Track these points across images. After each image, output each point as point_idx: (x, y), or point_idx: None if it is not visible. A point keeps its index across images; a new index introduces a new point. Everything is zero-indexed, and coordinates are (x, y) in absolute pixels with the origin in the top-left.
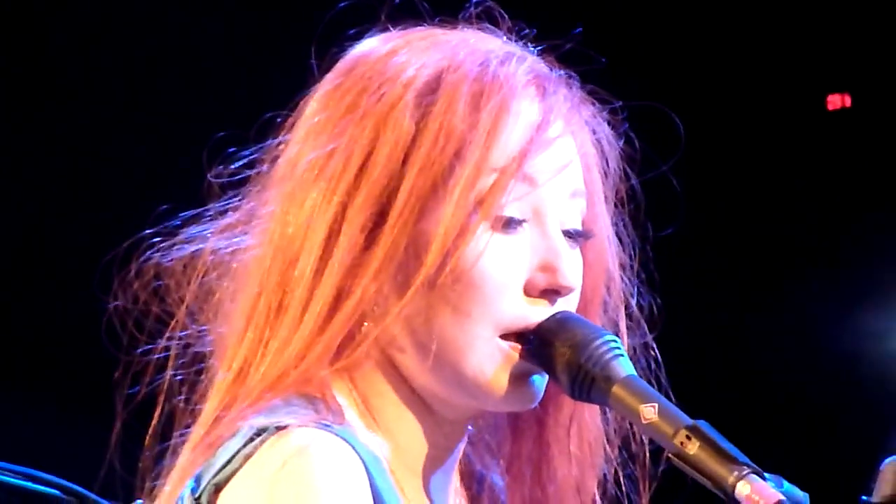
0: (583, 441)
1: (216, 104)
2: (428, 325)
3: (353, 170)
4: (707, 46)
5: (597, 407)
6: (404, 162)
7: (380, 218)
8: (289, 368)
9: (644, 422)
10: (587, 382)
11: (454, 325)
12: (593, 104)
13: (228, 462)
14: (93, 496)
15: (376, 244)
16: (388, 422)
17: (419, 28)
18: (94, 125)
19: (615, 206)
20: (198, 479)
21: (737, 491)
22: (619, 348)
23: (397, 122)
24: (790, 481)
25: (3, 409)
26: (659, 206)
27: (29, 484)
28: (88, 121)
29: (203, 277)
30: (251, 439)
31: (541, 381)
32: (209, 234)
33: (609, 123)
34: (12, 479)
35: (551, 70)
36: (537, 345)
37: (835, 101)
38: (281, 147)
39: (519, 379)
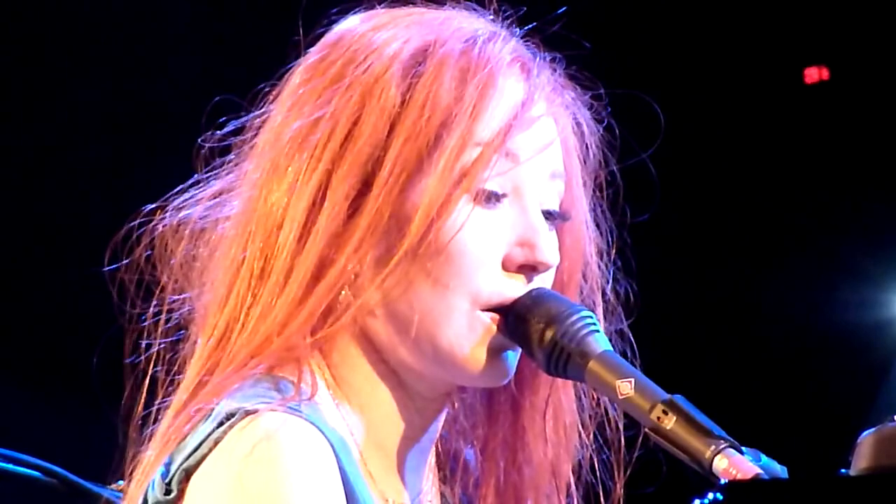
0: (558, 425)
1: (209, 78)
2: (406, 296)
3: (339, 138)
4: (684, 21)
5: (572, 391)
6: (389, 132)
7: (364, 187)
8: (272, 335)
9: (620, 397)
10: (563, 358)
11: (433, 297)
12: (575, 88)
13: (198, 447)
14: (73, 477)
15: (360, 213)
16: (360, 397)
17: (404, 6)
18: (84, 100)
19: (593, 191)
20: (168, 465)
21: (714, 465)
22: (594, 324)
23: (383, 92)
24: (773, 455)
25: None
26: (637, 188)
27: (9, 466)
28: (79, 95)
29: (190, 244)
30: (220, 424)
31: (514, 357)
32: (196, 203)
33: (590, 107)
34: (5, 465)
35: (536, 52)
36: (513, 321)
37: (812, 75)
38: (265, 117)
39: (493, 353)
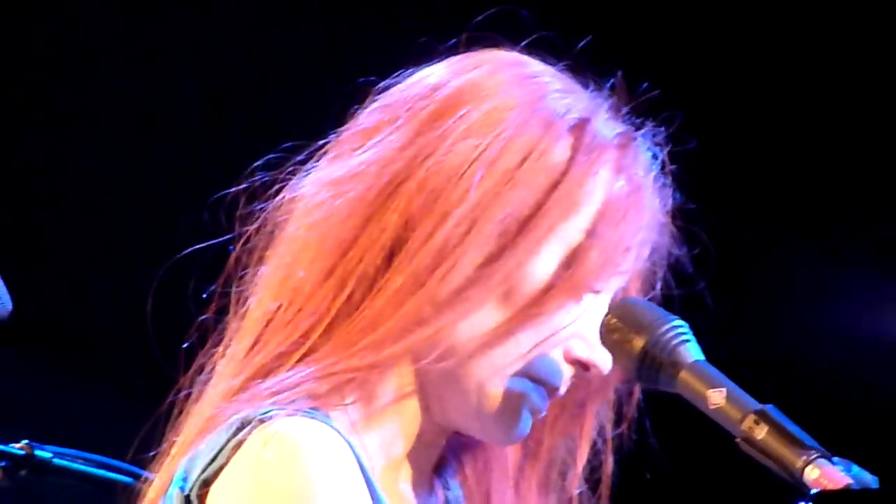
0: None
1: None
2: (478, 342)
3: (496, 176)
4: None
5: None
6: (542, 199)
7: (507, 236)
8: (383, 337)
9: (711, 407)
10: (654, 368)
11: (502, 352)
12: (666, 213)
13: (216, 457)
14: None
15: (502, 260)
16: (382, 416)
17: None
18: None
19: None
20: (185, 476)
21: (805, 475)
22: (686, 333)
23: (546, 151)
24: (860, 466)
25: (66, 396)
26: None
27: (102, 472)
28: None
29: (275, 215)
30: (236, 432)
31: (529, 423)
32: (302, 178)
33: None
34: (85, 467)
35: (656, 159)
36: (604, 330)
37: None
38: (388, 113)
39: (521, 416)
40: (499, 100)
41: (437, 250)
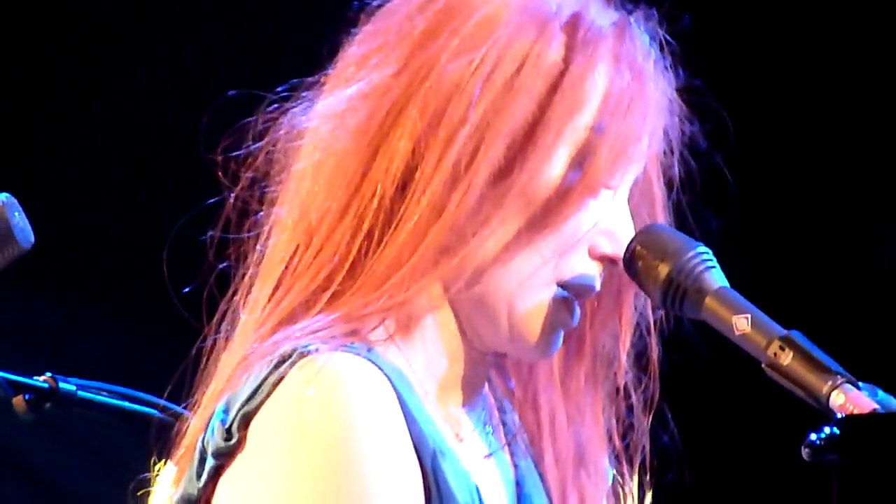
0: (595, 396)
1: None
2: (501, 262)
3: (495, 90)
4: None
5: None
6: (543, 103)
7: (513, 149)
8: (412, 271)
9: (737, 333)
10: (679, 295)
11: (526, 266)
12: (674, 97)
13: (256, 391)
14: (189, 414)
15: (513, 173)
16: (426, 341)
17: None
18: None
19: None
20: (226, 410)
21: (831, 400)
22: (711, 260)
23: (541, 56)
24: (891, 391)
25: (89, 330)
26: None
27: (126, 404)
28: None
29: (288, 153)
30: (277, 366)
31: (561, 335)
32: (304, 112)
33: (682, 109)
34: (109, 399)
35: (660, 54)
36: (629, 258)
37: None
38: (390, 38)
39: (550, 331)
40: (487, 8)
41: (450, 174)
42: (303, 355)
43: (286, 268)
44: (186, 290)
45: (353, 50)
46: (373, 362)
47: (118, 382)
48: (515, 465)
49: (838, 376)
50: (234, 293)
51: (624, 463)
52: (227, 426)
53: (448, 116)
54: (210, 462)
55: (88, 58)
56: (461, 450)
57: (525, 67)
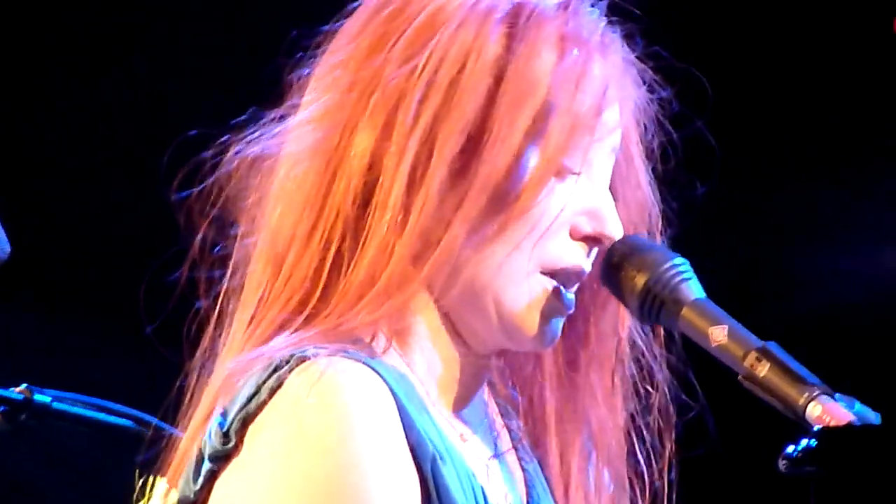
0: (609, 384)
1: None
2: (480, 256)
3: (440, 93)
4: None
5: (625, 353)
6: (490, 95)
7: (468, 145)
8: (379, 296)
9: (714, 344)
10: (656, 306)
11: (504, 258)
12: (636, 66)
13: (254, 395)
14: (164, 425)
15: (468, 175)
16: (423, 347)
17: None
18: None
19: (650, 165)
20: (224, 413)
21: (808, 412)
22: (688, 271)
23: (482, 51)
24: (864, 402)
25: (65, 341)
26: (699, 160)
27: (102, 416)
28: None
29: (262, 181)
30: (275, 370)
31: (560, 323)
32: (271, 137)
33: (650, 83)
34: (85, 411)
35: (612, 27)
36: (606, 268)
37: None
38: (340, 56)
39: (545, 318)
40: (427, 13)
41: (406, 183)
42: (301, 360)
43: (260, 299)
44: (160, 319)
45: (316, 71)
46: (372, 368)
47: (94, 394)
48: (524, 469)
49: (815, 388)
50: (216, 327)
51: (642, 452)
52: (224, 430)
53: (398, 126)
54: (207, 465)
55: (69, 73)
56: (466, 451)
57: (467, 65)
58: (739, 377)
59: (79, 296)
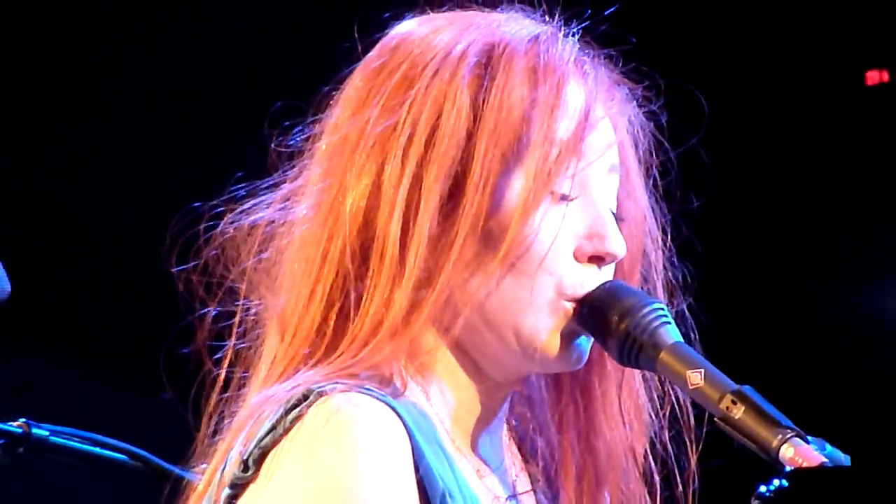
0: (629, 406)
1: (274, 82)
2: (491, 289)
3: (421, 143)
4: (748, 23)
5: (639, 374)
6: (470, 135)
7: (454, 189)
8: (384, 336)
9: (691, 387)
10: (635, 349)
11: (517, 288)
12: (626, 84)
13: (274, 427)
14: (157, 460)
15: (456, 217)
16: (441, 384)
17: (457, 11)
18: (163, 102)
19: (648, 183)
20: (244, 444)
21: (781, 453)
22: (666, 316)
23: (458, 95)
24: (834, 444)
25: (67, 378)
26: (693, 179)
27: (97, 450)
28: (159, 98)
29: (262, 247)
30: (295, 405)
31: (587, 343)
32: (266, 206)
33: (641, 100)
34: (80, 445)
35: (591, 51)
36: (588, 312)
37: (873, 77)
38: (329, 121)
39: (568, 339)
40: (404, 69)
41: (401, 235)
42: (320, 395)
43: (273, 358)
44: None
45: (308, 137)
46: (389, 404)
47: (89, 428)
48: None
49: (788, 430)
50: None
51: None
52: (244, 458)
53: (385, 182)
54: (226, 491)
55: (76, 101)
56: (481, 488)
57: (443, 112)
58: (716, 419)
59: (76, 337)
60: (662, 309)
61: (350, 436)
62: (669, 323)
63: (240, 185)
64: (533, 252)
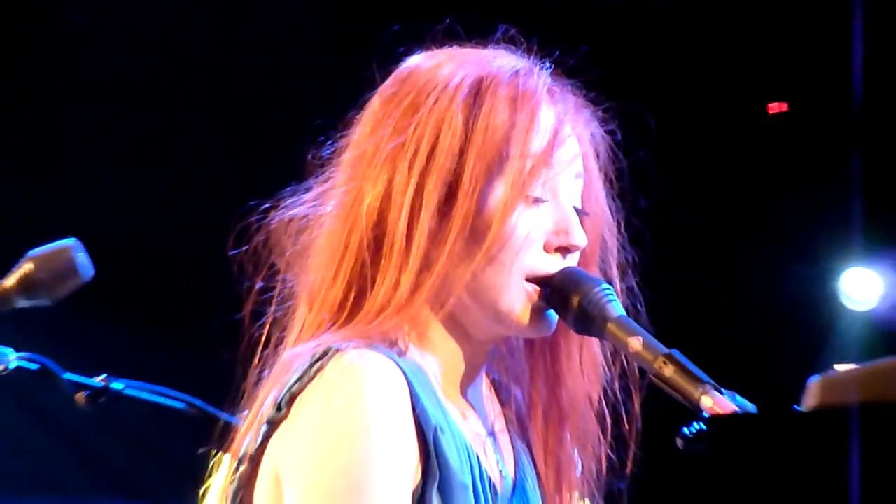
0: (587, 362)
1: (312, 106)
2: (476, 274)
3: (423, 157)
4: (675, 63)
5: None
6: (463, 151)
7: (448, 195)
8: (392, 308)
9: (631, 351)
10: (588, 321)
11: (495, 273)
12: (589, 107)
13: (301, 377)
14: (208, 407)
15: (451, 216)
16: (436, 346)
17: (456, 47)
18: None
19: (608, 184)
20: (279, 390)
21: (701, 402)
22: (612, 295)
23: (453, 119)
24: (743, 396)
25: (139, 342)
26: (641, 182)
27: (161, 399)
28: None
29: (297, 236)
30: (318, 359)
31: (553, 315)
32: (301, 204)
33: (600, 120)
34: (148, 396)
35: (561, 81)
36: (550, 292)
37: (774, 108)
38: (352, 137)
39: (538, 313)
40: (411, 97)
41: (406, 231)
42: (338, 351)
43: (301, 328)
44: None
45: (336, 150)
46: (392, 359)
47: (156, 382)
48: (514, 447)
49: (707, 384)
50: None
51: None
52: (278, 401)
53: (394, 188)
54: (264, 427)
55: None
56: (466, 427)
57: (441, 133)
58: (651, 376)
59: (148, 308)
60: (609, 289)
61: (360, 382)
62: (615, 300)
63: (286, 189)
64: (510, 245)
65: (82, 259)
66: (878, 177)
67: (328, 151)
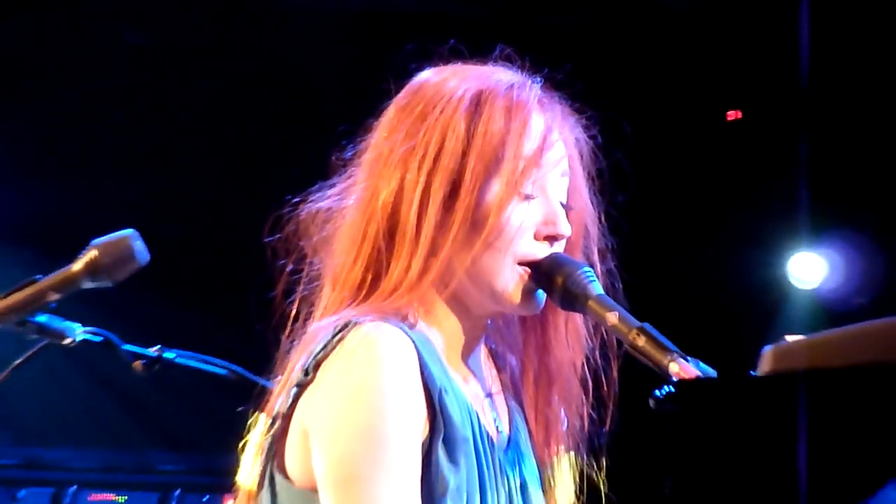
0: (572, 333)
1: (337, 113)
2: (474, 258)
3: (431, 160)
4: (648, 78)
5: (580, 315)
6: (464, 155)
7: (452, 191)
8: (404, 288)
9: (609, 324)
10: (571, 298)
11: (491, 258)
12: (574, 115)
13: (326, 346)
14: (246, 373)
15: (455, 209)
16: (440, 320)
17: (460, 64)
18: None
19: (590, 181)
20: (306, 357)
21: (669, 369)
22: (592, 276)
23: (457, 127)
24: (706, 363)
25: (189, 317)
26: (619, 180)
27: (207, 366)
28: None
29: (322, 226)
30: (340, 330)
31: (542, 295)
32: (326, 198)
33: (584, 126)
34: (196, 363)
35: (550, 93)
36: (538, 274)
37: (731, 115)
38: (370, 141)
39: (528, 293)
40: (421, 107)
41: (416, 223)
42: (357, 324)
43: (325, 305)
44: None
45: (357, 152)
46: (403, 330)
47: (202, 352)
48: (509, 407)
49: (675, 353)
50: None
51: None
52: (305, 367)
53: (406, 185)
54: (294, 390)
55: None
56: (467, 389)
57: (446, 138)
58: (626, 346)
59: (198, 289)
60: (590, 271)
61: (376, 350)
62: (595, 281)
63: (314, 185)
64: (505, 234)
65: (139, 246)
66: (822, 172)
67: (350, 153)
